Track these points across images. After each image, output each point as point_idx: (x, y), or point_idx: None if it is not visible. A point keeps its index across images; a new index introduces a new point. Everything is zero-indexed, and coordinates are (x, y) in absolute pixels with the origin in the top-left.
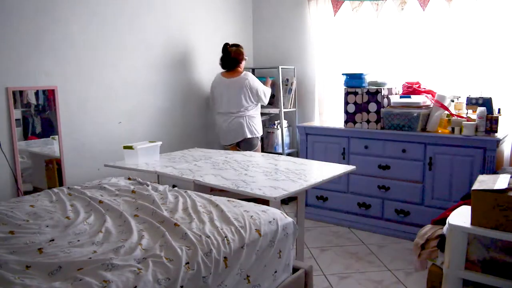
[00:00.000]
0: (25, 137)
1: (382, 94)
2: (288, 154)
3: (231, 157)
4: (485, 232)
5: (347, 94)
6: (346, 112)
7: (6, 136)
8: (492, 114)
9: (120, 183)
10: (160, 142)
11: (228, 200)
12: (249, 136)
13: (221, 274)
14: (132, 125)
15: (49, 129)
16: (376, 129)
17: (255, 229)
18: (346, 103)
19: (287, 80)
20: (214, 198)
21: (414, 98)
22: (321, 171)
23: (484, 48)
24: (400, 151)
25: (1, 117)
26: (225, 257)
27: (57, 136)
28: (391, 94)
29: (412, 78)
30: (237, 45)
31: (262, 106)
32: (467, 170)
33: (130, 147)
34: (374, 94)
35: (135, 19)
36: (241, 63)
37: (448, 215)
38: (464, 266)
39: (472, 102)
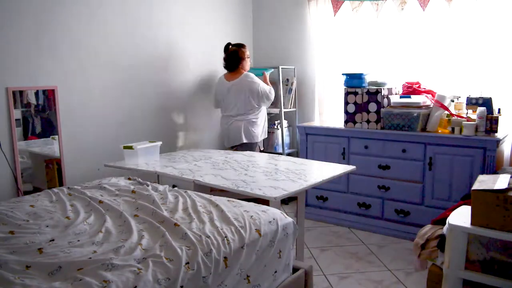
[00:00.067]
0: (25, 137)
1: (382, 94)
2: (288, 154)
3: (231, 157)
4: (485, 232)
5: (347, 94)
6: (346, 112)
7: (6, 136)
8: (492, 114)
9: (120, 183)
10: (160, 142)
11: (228, 200)
12: (245, 141)
13: (221, 274)
14: (132, 125)
15: (49, 129)
16: (376, 129)
17: (255, 229)
18: (346, 103)
19: (287, 80)
20: (214, 198)
21: (414, 98)
22: (321, 171)
23: (484, 48)
24: (400, 151)
25: (1, 117)
26: (225, 257)
27: (57, 136)
28: (391, 94)
29: (412, 78)
30: (239, 45)
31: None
32: (467, 170)
33: (130, 147)
34: (374, 94)
35: (135, 19)
36: (241, 63)
37: (448, 215)
38: (464, 266)
39: (472, 102)
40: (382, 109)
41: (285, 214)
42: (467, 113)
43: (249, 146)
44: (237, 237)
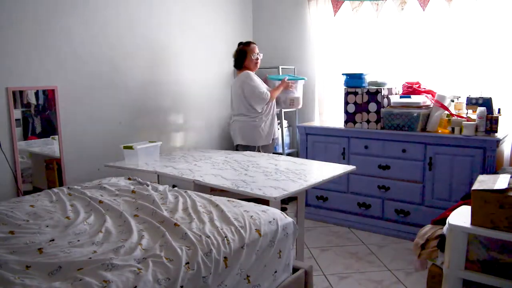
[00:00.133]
0: (25, 137)
1: (382, 94)
2: (288, 154)
3: (231, 157)
4: (485, 232)
5: (347, 94)
6: (346, 112)
7: (6, 136)
8: (492, 114)
9: (120, 183)
10: (160, 142)
11: (228, 200)
12: (240, 143)
13: (221, 274)
14: (132, 125)
15: (49, 129)
16: (376, 129)
17: (255, 229)
18: (346, 103)
19: None
20: (214, 198)
21: (414, 98)
22: (321, 171)
23: (484, 48)
24: (400, 151)
25: (1, 117)
26: (225, 257)
27: (57, 136)
28: (391, 94)
29: (412, 78)
30: (244, 43)
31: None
32: (467, 170)
33: (130, 147)
34: (374, 94)
35: (134, 19)
36: (245, 62)
37: (448, 215)
38: (464, 266)
39: (472, 102)
40: (382, 109)
41: (285, 214)
42: (467, 113)
43: (246, 149)
44: (237, 237)
